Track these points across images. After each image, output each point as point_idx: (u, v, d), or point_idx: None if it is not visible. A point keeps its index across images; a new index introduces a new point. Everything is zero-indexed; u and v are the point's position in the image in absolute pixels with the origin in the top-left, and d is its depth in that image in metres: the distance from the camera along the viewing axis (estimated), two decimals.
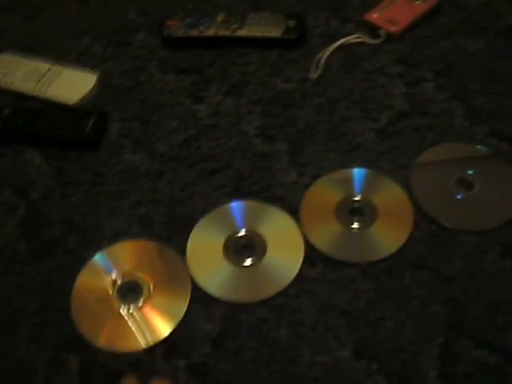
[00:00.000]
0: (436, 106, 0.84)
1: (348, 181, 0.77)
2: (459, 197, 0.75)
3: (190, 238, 0.73)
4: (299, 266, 0.70)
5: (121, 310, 0.69)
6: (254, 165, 0.80)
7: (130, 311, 0.69)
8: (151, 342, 0.67)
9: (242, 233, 0.73)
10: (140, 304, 0.69)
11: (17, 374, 0.65)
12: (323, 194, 0.76)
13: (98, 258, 0.73)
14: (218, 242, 0.73)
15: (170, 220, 0.76)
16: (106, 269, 0.72)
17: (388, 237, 0.72)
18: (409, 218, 0.73)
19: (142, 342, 0.67)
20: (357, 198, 0.75)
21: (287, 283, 0.69)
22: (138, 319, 0.68)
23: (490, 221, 0.73)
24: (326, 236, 0.73)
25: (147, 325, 0.68)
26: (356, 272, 0.70)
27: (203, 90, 0.89)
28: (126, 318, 0.68)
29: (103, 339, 0.67)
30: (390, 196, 0.75)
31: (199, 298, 0.69)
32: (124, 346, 0.67)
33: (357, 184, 0.76)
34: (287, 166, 0.79)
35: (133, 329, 0.68)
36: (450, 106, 0.84)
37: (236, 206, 0.76)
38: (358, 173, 0.77)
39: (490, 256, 0.70)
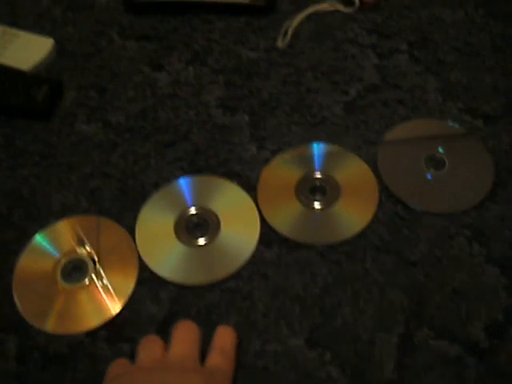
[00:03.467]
0: (409, 79, 0.79)
1: (309, 157, 0.72)
2: (428, 177, 0.70)
3: (139, 216, 0.69)
4: (254, 246, 0.66)
5: (65, 290, 0.65)
6: (213, 137, 0.75)
7: (75, 291, 0.65)
8: (97, 323, 0.63)
9: (193, 211, 0.69)
10: (85, 283, 0.65)
11: None
12: (282, 170, 0.71)
13: (39, 238, 0.68)
14: (168, 220, 0.68)
15: (121, 195, 0.71)
16: (47, 249, 0.67)
17: (350, 218, 0.68)
18: (373, 198, 0.69)
19: (87, 323, 0.63)
20: (318, 176, 0.71)
21: (241, 265, 0.65)
22: (83, 299, 0.64)
23: (459, 203, 0.69)
24: (284, 215, 0.68)
25: (93, 305, 0.64)
26: (314, 255, 0.66)
27: (164, 58, 0.84)
28: (70, 299, 0.64)
29: (46, 321, 0.63)
30: (354, 174, 0.71)
31: (147, 279, 0.65)
32: (68, 328, 0.63)
33: (318, 160, 0.72)
34: (247, 140, 0.75)
35: (77, 310, 0.64)
36: (424, 79, 0.79)
37: (185, 183, 0.71)
38: (319, 148, 0.73)
39: (457, 240, 0.66)
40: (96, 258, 0.67)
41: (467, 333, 0.60)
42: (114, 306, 0.64)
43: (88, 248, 0.67)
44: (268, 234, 0.67)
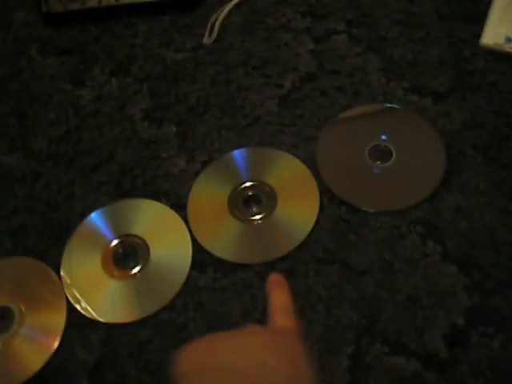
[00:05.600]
0: (348, 62, 0.72)
1: (238, 165, 0.65)
2: (375, 171, 0.64)
3: (64, 253, 0.63)
4: (187, 272, 0.60)
5: None
6: (139, 154, 0.69)
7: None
8: (23, 378, 0.58)
9: (117, 241, 0.63)
10: (11, 332, 0.60)
11: None
12: (213, 183, 0.65)
13: None
14: (94, 254, 0.62)
15: (46, 230, 0.66)
16: None
17: (290, 228, 0.61)
18: (314, 202, 0.62)
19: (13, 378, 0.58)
20: (250, 185, 0.64)
21: (173, 294, 0.59)
22: (10, 352, 0.59)
23: (410, 196, 0.62)
24: (217, 234, 0.62)
25: (20, 357, 0.59)
26: (252, 275, 0.60)
27: (86, 72, 0.77)
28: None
29: None
30: (291, 177, 0.64)
31: (76, 321, 0.60)
32: None
33: (248, 167, 0.65)
34: (175, 153, 0.68)
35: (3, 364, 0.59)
36: (365, 60, 0.72)
37: (105, 212, 0.65)
38: (248, 154, 0.66)
39: (409, 240, 0.60)
40: (22, 304, 0.61)
41: (424, 344, 0.54)
42: (41, 358, 0.58)
43: (12, 293, 0.62)
44: (201, 257, 0.61)
